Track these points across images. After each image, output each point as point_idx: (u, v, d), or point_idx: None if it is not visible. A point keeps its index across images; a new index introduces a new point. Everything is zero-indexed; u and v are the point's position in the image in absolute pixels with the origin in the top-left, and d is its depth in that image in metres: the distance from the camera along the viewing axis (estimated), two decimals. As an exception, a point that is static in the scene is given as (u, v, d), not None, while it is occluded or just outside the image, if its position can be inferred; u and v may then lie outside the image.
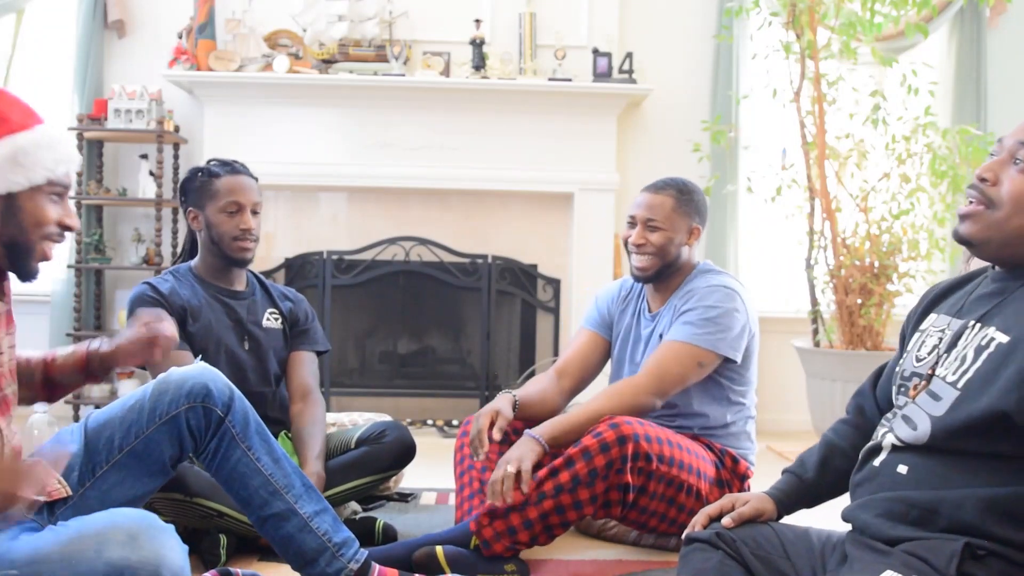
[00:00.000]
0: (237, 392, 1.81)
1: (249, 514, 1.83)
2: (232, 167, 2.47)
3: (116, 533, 1.30)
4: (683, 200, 2.44)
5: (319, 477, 2.30)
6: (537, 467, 2.35)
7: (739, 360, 2.37)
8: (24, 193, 1.46)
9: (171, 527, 1.35)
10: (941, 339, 1.50)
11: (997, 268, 1.49)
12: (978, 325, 1.44)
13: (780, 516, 1.65)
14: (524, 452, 2.13)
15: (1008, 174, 1.41)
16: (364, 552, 1.85)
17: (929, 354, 1.51)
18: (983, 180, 1.43)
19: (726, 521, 1.58)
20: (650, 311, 2.51)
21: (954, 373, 1.43)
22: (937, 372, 1.46)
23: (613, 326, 2.59)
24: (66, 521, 1.37)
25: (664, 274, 2.44)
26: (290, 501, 1.79)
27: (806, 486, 1.68)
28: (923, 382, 1.49)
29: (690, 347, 2.30)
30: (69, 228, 1.53)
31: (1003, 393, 1.33)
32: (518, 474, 2.08)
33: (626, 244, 2.47)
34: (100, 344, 1.75)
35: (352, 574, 1.80)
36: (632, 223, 2.46)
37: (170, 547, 1.33)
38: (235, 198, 2.42)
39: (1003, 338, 1.38)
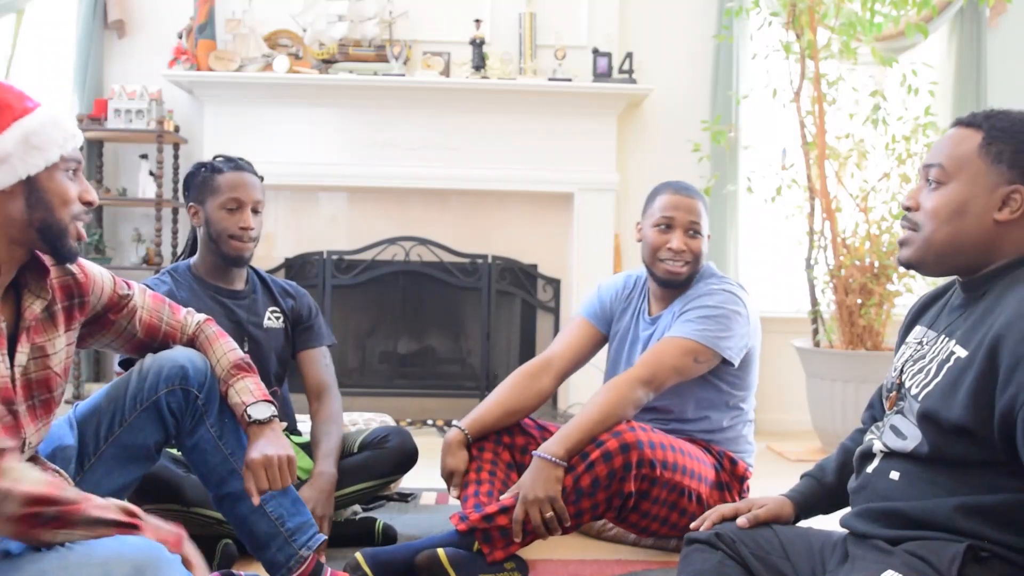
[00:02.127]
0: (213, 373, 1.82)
1: (209, 491, 1.84)
2: (236, 164, 2.43)
3: (122, 565, 1.28)
4: (705, 206, 2.43)
5: (326, 477, 2.27)
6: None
7: (736, 364, 2.33)
8: (43, 174, 1.47)
9: (177, 558, 1.35)
10: (916, 351, 1.53)
11: (961, 279, 1.51)
12: (944, 338, 1.47)
13: (798, 519, 1.66)
14: (549, 485, 2.08)
15: (924, 196, 1.49)
16: (319, 537, 1.84)
17: (902, 364, 1.54)
18: (908, 209, 1.51)
19: (741, 522, 1.59)
20: (650, 314, 2.48)
21: (918, 386, 1.45)
22: (904, 383, 1.49)
23: (613, 322, 2.55)
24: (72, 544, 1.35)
25: (689, 280, 2.42)
26: None
27: (825, 490, 1.69)
28: (894, 392, 1.52)
29: (686, 341, 2.27)
30: (90, 203, 1.54)
31: (962, 409, 1.35)
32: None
33: (655, 250, 2.38)
34: (251, 417, 1.78)
35: (302, 561, 1.80)
36: (668, 226, 2.37)
37: None
38: (236, 195, 2.37)
39: (962, 352, 1.40)
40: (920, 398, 1.42)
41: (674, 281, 2.39)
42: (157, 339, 1.82)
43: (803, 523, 1.67)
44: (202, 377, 1.78)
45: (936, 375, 1.42)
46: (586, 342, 2.55)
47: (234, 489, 1.79)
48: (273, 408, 1.79)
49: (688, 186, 2.45)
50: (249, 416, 1.76)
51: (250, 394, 1.79)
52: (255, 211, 2.41)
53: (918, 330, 1.58)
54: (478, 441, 2.35)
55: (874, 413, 1.74)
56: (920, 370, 1.47)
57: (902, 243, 1.52)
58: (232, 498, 1.80)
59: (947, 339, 1.45)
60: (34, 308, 1.53)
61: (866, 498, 1.49)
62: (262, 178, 2.48)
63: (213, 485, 1.82)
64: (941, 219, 1.45)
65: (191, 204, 2.43)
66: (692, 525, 1.65)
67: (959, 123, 1.50)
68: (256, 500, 1.73)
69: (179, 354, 1.78)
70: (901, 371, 1.52)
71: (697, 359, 2.27)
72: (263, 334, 2.45)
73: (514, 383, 2.43)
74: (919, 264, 1.50)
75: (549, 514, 2.06)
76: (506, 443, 2.37)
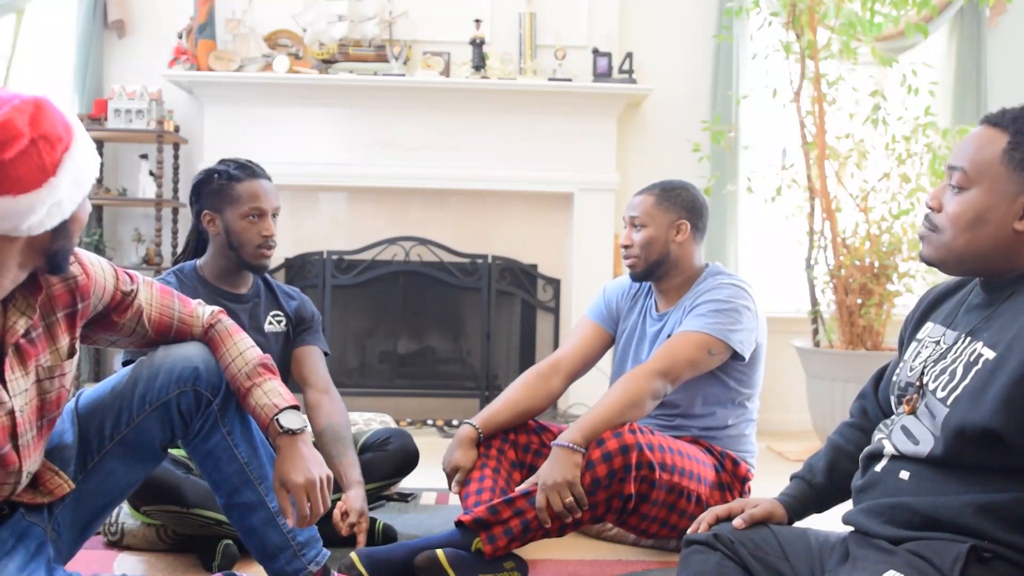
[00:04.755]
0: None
1: (218, 497, 1.79)
2: (252, 170, 2.41)
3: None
4: (664, 196, 2.45)
5: (361, 485, 2.28)
6: (531, 469, 2.37)
7: (746, 357, 2.35)
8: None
9: None
10: (934, 350, 1.51)
11: (983, 280, 1.50)
12: (968, 339, 1.45)
13: (791, 521, 1.65)
14: (567, 470, 2.09)
15: (947, 198, 1.47)
16: (326, 554, 1.83)
17: (921, 365, 1.52)
18: (930, 208, 1.49)
19: (737, 523, 1.58)
20: (657, 310, 2.50)
21: (943, 389, 1.43)
22: (927, 386, 1.47)
23: (619, 321, 2.58)
24: (63, 536, 1.33)
25: (656, 272, 2.44)
26: (261, 493, 1.74)
27: (816, 491, 1.68)
28: (915, 395, 1.50)
29: (700, 335, 2.29)
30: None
31: (991, 412, 1.34)
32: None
33: None
34: (283, 427, 1.67)
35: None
36: (625, 226, 2.50)
37: None
38: (258, 204, 2.37)
39: (990, 354, 1.38)
40: (949, 403, 1.40)
41: (632, 276, 2.49)
42: (169, 336, 1.75)
43: (801, 523, 1.67)
44: (216, 380, 1.71)
45: (963, 378, 1.40)
46: (594, 343, 2.58)
47: (247, 500, 1.74)
48: (304, 417, 1.72)
49: (650, 185, 2.51)
50: (281, 426, 1.66)
51: (281, 397, 1.69)
52: (273, 216, 2.42)
53: (932, 328, 1.56)
54: (486, 439, 2.37)
55: (865, 404, 1.73)
56: (943, 371, 1.45)
57: (923, 240, 1.51)
58: (244, 508, 1.75)
59: (971, 340, 1.44)
60: (17, 327, 1.46)
61: (873, 496, 1.49)
62: (270, 179, 2.48)
63: (225, 494, 1.76)
64: (960, 226, 1.44)
65: (207, 212, 2.40)
66: (689, 529, 1.65)
67: (987, 121, 1.46)
68: (292, 523, 1.67)
69: (192, 352, 1.71)
70: (922, 372, 1.49)
71: (711, 352, 2.30)
72: (263, 339, 2.45)
73: (525, 383, 2.47)
74: (940, 264, 1.49)
75: (569, 499, 2.07)
76: (512, 440, 2.40)
